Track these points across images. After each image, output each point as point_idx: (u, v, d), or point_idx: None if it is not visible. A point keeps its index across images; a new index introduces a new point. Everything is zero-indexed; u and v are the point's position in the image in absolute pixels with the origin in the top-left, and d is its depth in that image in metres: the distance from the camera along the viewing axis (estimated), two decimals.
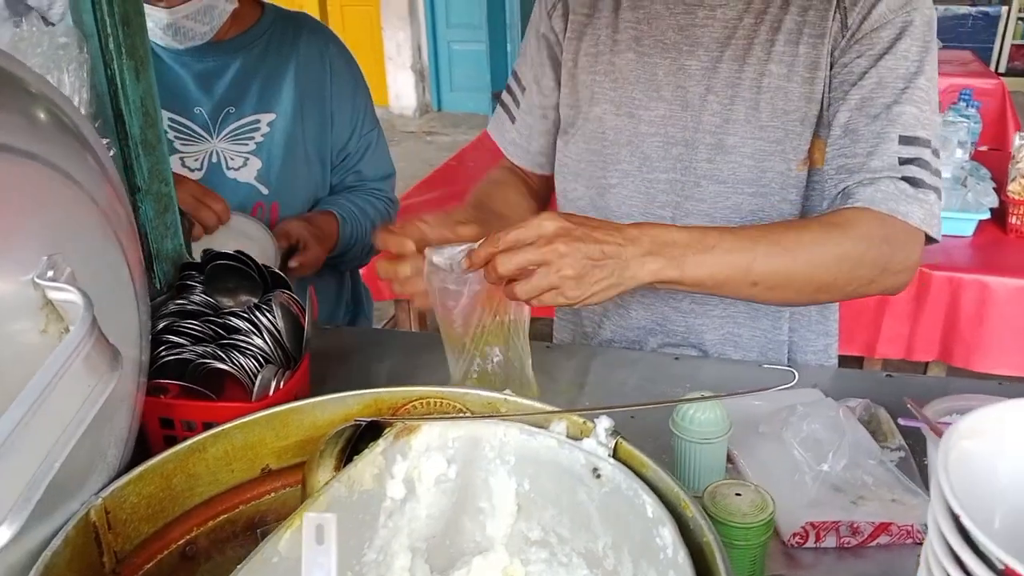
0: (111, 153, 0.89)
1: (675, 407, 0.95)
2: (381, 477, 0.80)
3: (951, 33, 5.75)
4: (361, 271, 1.90)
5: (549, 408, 0.81)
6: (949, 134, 2.49)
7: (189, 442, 0.75)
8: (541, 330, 1.57)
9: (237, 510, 0.81)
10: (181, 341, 0.86)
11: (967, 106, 2.85)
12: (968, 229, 2.42)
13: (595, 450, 0.77)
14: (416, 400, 0.85)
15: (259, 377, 0.86)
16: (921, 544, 0.88)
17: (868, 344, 2.34)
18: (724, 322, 1.28)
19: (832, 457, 0.88)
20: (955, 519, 0.52)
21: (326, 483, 0.74)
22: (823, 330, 1.34)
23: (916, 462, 0.99)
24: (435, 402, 0.85)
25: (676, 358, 1.28)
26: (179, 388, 0.85)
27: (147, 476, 0.72)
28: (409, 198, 2.90)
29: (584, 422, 0.78)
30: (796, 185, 1.18)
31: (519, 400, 0.83)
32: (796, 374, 0.77)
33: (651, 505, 0.71)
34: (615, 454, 0.76)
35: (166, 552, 0.76)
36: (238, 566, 0.63)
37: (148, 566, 0.74)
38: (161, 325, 0.87)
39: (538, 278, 0.94)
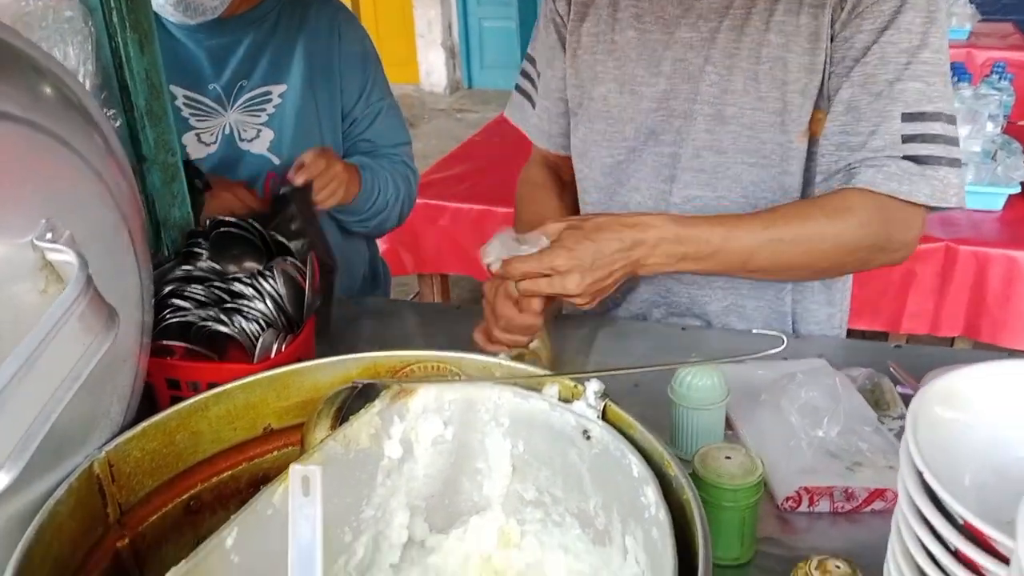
0: (117, 124, 0.92)
1: (674, 374, 0.96)
2: (378, 437, 0.82)
3: (993, 6, 5.60)
4: (380, 244, 1.92)
5: (541, 372, 0.82)
6: (980, 107, 2.44)
7: (191, 401, 0.78)
8: None
9: (240, 467, 0.84)
10: (186, 305, 0.89)
11: (1000, 79, 2.78)
12: (997, 203, 2.38)
13: (585, 412, 0.78)
14: (414, 364, 0.87)
15: (260, 340, 0.89)
16: None
17: (893, 319, 2.32)
18: (727, 294, 1.29)
19: (827, 423, 0.89)
20: (920, 476, 0.53)
21: (322, 440, 0.76)
22: (827, 300, 1.34)
23: None
24: (432, 366, 0.86)
25: (683, 328, 1.29)
26: (184, 350, 0.88)
27: (150, 432, 0.74)
28: (432, 174, 2.91)
29: (575, 385, 0.79)
30: (797, 157, 1.18)
31: (513, 364, 0.84)
32: (784, 339, 0.77)
33: (636, 465, 0.72)
34: (604, 416, 0.77)
35: (170, 506, 0.79)
36: (232, 516, 0.66)
37: (153, 518, 0.77)
38: (167, 290, 0.89)
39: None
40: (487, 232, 1.70)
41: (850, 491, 0.87)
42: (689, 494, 0.66)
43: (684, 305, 1.31)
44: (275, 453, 0.86)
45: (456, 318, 1.35)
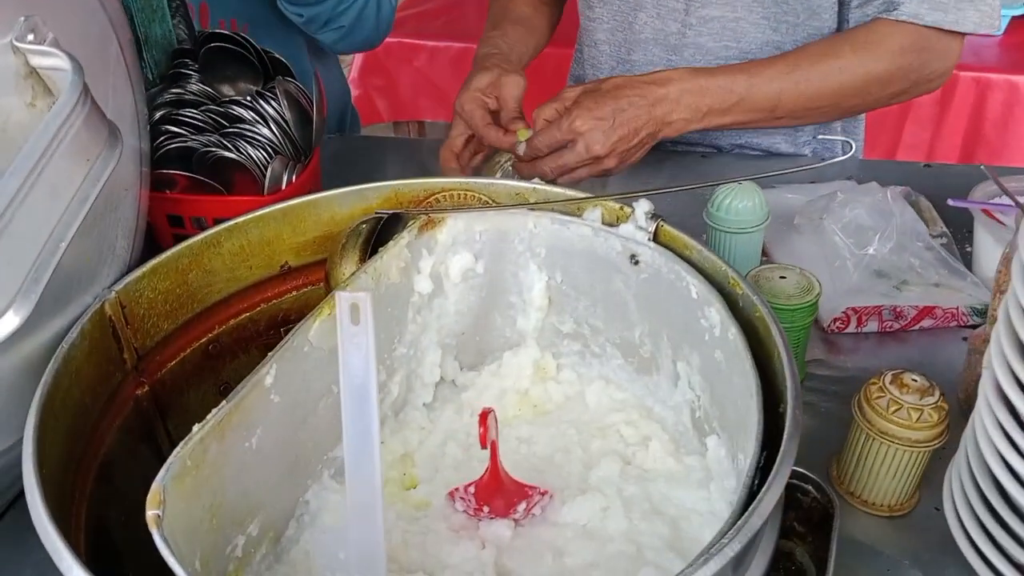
0: None
1: (710, 197, 0.90)
2: (408, 271, 0.76)
3: None
4: (352, 90, 1.76)
5: (582, 194, 0.76)
6: None
7: (202, 236, 0.70)
8: None
9: (258, 308, 0.78)
10: (181, 131, 0.80)
11: None
12: (999, 26, 2.29)
13: (633, 235, 0.72)
14: (439, 193, 0.79)
15: (269, 169, 0.81)
16: (966, 327, 0.85)
17: (889, 149, 2.27)
18: (742, 132, 1.22)
19: (878, 240, 0.84)
20: None
21: (352, 274, 0.70)
22: (843, 130, 1.28)
23: (959, 249, 0.95)
24: (459, 194, 0.79)
25: (703, 155, 1.22)
26: (186, 180, 0.80)
27: (160, 270, 0.68)
28: (405, 9, 2.72)
29: (621, 207, 0.73)
30: None
31: (549, 188, 0.78)
32: (853, 144, 0.71)
33: (696, 286, 0.67)
34: (655, 238, 0.71)
35: (188, 350, 0.73)
36: (270, 353, 0.60)
37: (171, 364, 0.72)
38: (158, 115, 0.80)
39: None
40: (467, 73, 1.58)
41: (899, 310, 0.84)
42: (763, 310, 0.62)
43: (695, 139, 1.24)
44: (294, 293, 0.80)
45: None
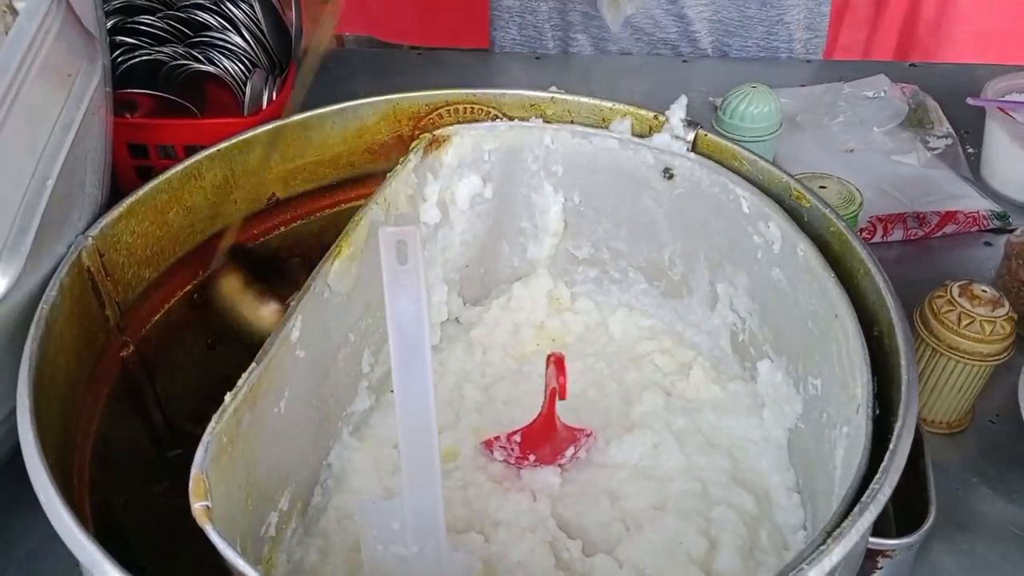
0: None
1: (721, 103, 0.83)
2: (414, 200, 0.67)
3: None
4: None
5: (608, 103, 0.68)
6: None
7: (181, 166, 0.60)
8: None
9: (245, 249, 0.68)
10: (140, 43, 0.67)
11: None
12: None
13: (669, 146, 0.66)
14: (442, 107, 0.70)
15: (248, 85, 0.69)
16: (987, 231, 0.83)
17: (826, 50, 2.25)
18: (715, 27, 1.15)
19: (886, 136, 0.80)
20: None
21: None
22: (808, 24, 1.23)
23: (963, 152, 0.92)
24: (466, 108, 0.71)
25: (684, 60, 1.15)
26: (151, 101, 0.68)
27: (137, 210, 0.57)
28: None
29: (654, 116, 0.66)
30: None
31: (569, 97, 0.69)
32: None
33: (748, 200, 0.61)
34: (694, 148, 0.65)
35: (173, 300, 0.63)
36: (292, 304, 0.52)
37: (155, 318, 0.62)
38: (108, 24, 0.67)
39: None
40: None
41: (922, 215, 0.81)
42: (839, 224, 0.56)
43: (672, 42, 1.17)
44: (282, 229, 0.70)
45: (429, 64, 1.15)
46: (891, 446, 0.42)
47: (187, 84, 0.69)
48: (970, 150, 0.93)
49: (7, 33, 0.44)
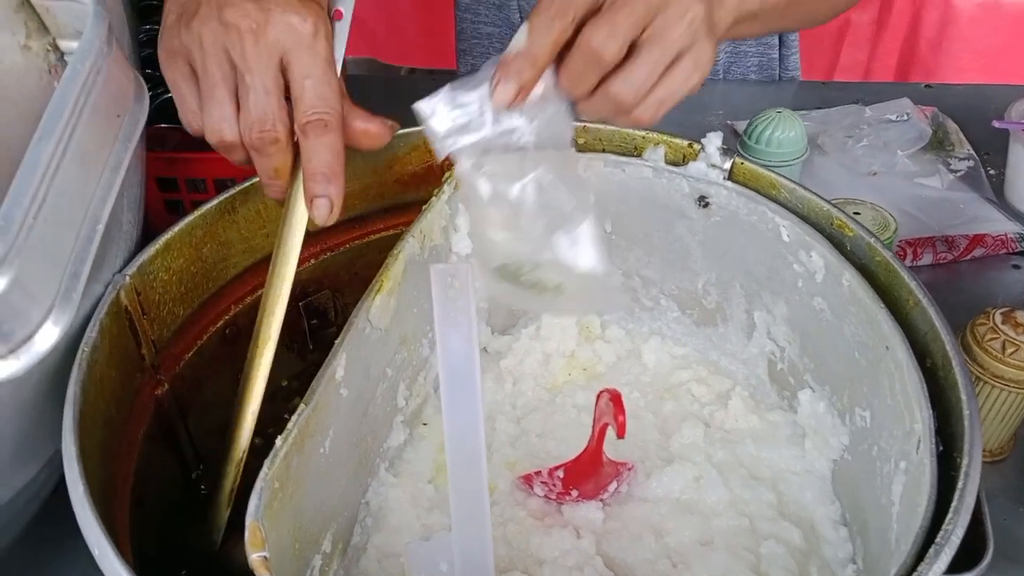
0: None
1: (746, 129, 0.83)
2: (447, 231, 0.67)
3: None
4: None
5: (640, 131, 0.68)
6: None
7: (216, 201, 0.59)
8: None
9: None
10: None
11: None
12: None
13: (705, 174, 0.65)
14: None
15: None
16: (1014, 254, 0.83)
17: (826, 71, 2.26)
18: (721, 51, 1.15)
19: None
20: None
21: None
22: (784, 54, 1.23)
23: (986, 173, 0.92)
24: None
25: None
26: (179, 135, 0.67)
27: (174, 246, 0.56)
28: None
29: (688, 144, 0.66)
30: None
31: (600, 126, 0.69)
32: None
33: (788, 228, 0.61)
34: (730, 176, 0.64)
35: (205, 337, 0.62)
36: (336, 341, 0.51)
37: (188, 356, 0.61)
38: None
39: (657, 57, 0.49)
40: None
41: (951, 239, 0.80)
42: (885, 254, 0.56)
43: None
44: (312, 262, 0.69)
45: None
46: (960, 485, 0.41)
47: None
48: (991, 172, 0.93)
49: (50, 72, 0.43)
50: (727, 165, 0.64)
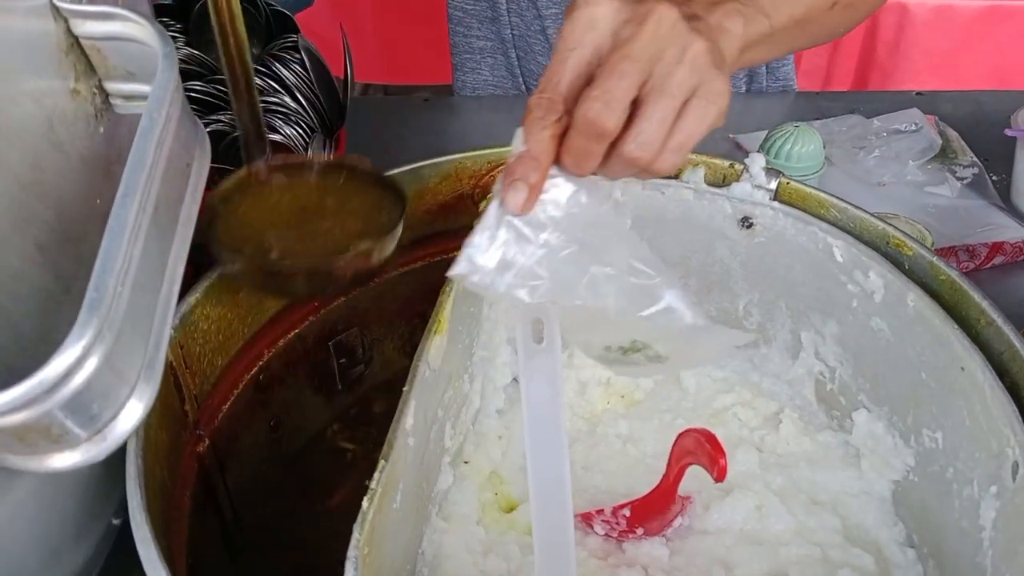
0: None
1: (764, 143, 0.82)
2: None
3: None
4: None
5: None
6: None
7: None
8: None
9: (306, 323, 0.64)
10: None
11: None
12: None
13: (750, 195, 0.64)
14: (501, 165, 0.67)
15: (310, 150, 0.65)
16: None
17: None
18: None
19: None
20: None
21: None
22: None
23: (990, 179, 0.93)
24: None
25: None
26: (211, 172, 0.63)
27: (212, 293, 0.53)
28: None
29: (730, 164, 0.64)
30: None
31: None
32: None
33: (841, 248, 0.60)
34: (776, 196, 0.63)
35: (241, 386, 0.59)
36: (405, 390, 0.48)
37: (225, 408, 0.57)
38: None
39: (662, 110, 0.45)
40: None
41: (972, 248, 0.80)
42: (950, 273, 0.55)
43: None
44: (341, 299, 0.66)
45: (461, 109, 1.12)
46: None
47: (235, 149, 0.65)
48: (994, 177, 0.94)
49: (96, 117, 0.40)
50: (773, 185, 0.63)
